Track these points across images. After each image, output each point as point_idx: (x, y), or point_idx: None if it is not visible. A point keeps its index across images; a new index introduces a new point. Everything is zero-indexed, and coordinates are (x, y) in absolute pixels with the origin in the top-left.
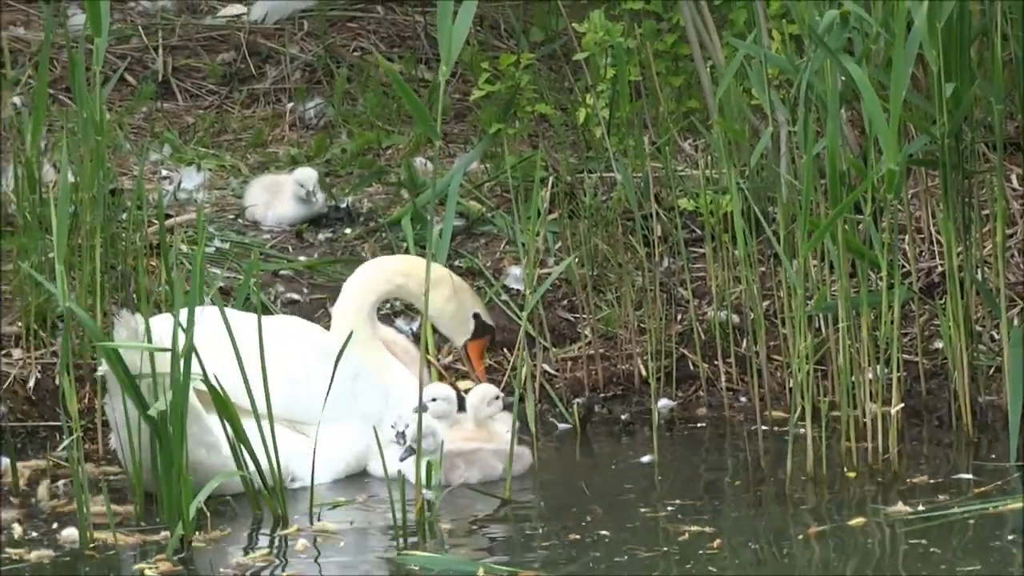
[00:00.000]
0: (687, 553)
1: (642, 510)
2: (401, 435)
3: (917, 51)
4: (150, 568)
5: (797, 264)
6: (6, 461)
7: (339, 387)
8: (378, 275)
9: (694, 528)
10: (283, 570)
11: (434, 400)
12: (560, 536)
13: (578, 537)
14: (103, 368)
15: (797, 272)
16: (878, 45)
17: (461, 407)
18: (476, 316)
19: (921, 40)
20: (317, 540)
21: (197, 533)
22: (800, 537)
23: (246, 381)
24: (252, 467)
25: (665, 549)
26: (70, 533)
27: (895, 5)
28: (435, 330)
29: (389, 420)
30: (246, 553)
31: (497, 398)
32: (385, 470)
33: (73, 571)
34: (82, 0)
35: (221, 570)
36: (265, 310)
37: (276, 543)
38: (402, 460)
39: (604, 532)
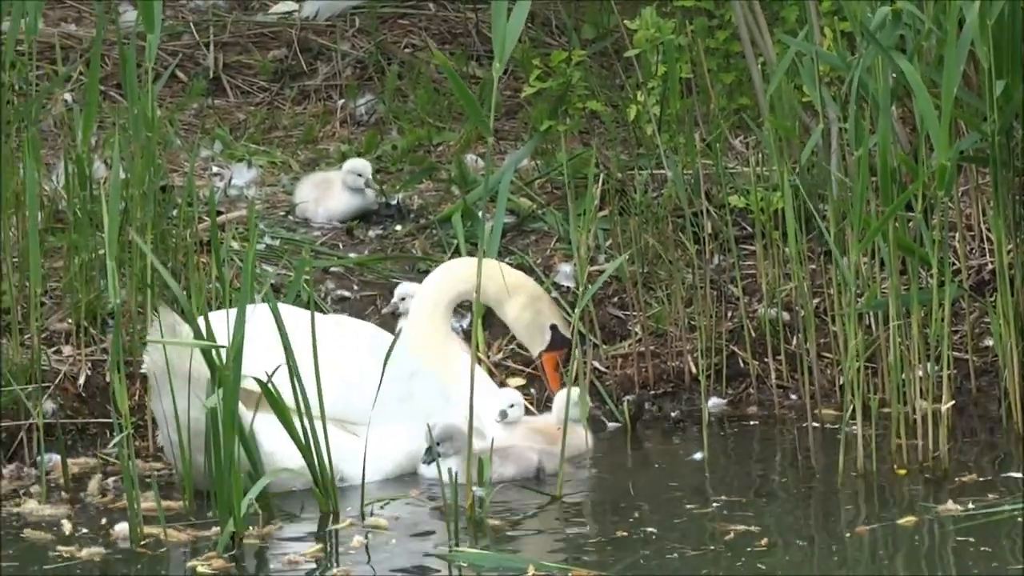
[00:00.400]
0: (735, 551)
1: (691, 508)
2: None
3: (968, 48)
4: (203, 565)
5: (848, 261)
6: (56, 458)
7: (393, 387)
8: (453, 278)
9: (743, 526)
10: (334, 566)
11: (512, 407)
12: (609, 534)
13: (627, 535)
14: (147, 365)
15: (848, 269)
16: (929, 42)
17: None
18: (553, 328)
19: (972, 37)
20: (368, 536)
21: (250, 528)
22: (848, 535)
23: (299, 379)
24: (303, 464)
25: (713, 548)
26: (122, 529)
27: (947, 3)
28: (485, 327)
29: (455, 420)
30: (297, 549)
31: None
32: (438, 468)
33: (124, 568)
34: None
35: (273, 566)
36: (316, 308)
37: (327, 539)
38: (425, 464)
39: (653, 530)
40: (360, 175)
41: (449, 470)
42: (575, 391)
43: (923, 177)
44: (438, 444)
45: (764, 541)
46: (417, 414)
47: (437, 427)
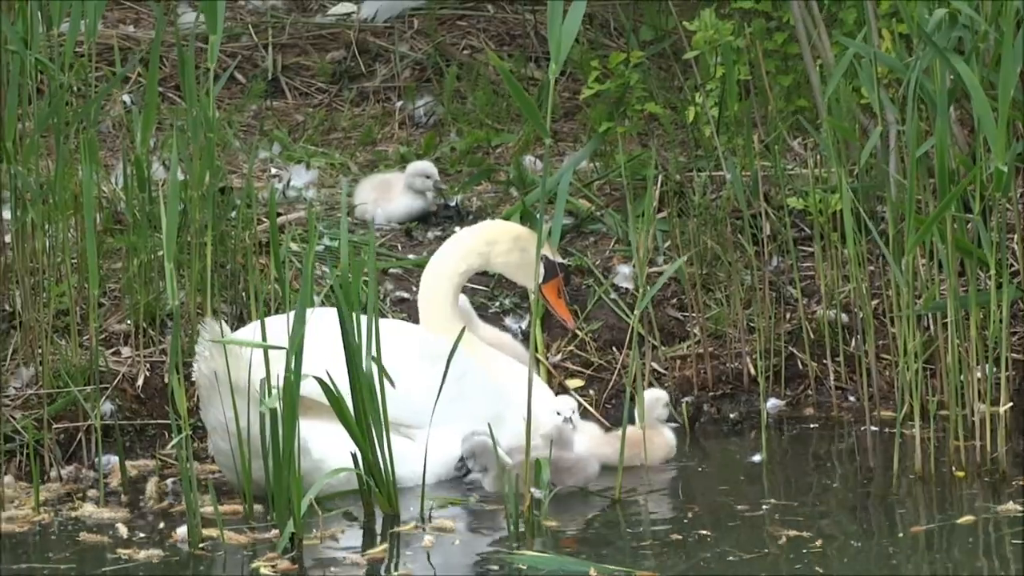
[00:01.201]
0: (792, 553)
1: (749, 509)
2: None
3: None
4: (266, 566)
5: (905, 263)
6: (115, 460)
7: (444, 388)
8: (461, 250)
9: (799, 528)
10: (395, 568)
11: (573, 413)
12: (667, 537)
13: (684, 537)
14: (196, 374)
15: (905, 271)
16: (987, 43)
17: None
18: (543, 259)
19: None
20: (428, 539)
21: (314, 532)
22: (900, 535)
23: (362, 382)
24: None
25: (769, 550)
26: (182, 532)
27: (1004, 3)
28: (544, 328)
29: (511, 418)
30: (358, 552)
31: (666, 405)
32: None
33: (183, 570)
34: None
35: (334, 569)
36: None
37: (388, 541)
38: (461, 473)
39: (711, 532)
40: (428, 177)
41: (510, 474)
42: (661, 394)
43: (980, 178)
44: (467, 459)
45: (819, 543)
46: (468, 415)
47: (467, 442)
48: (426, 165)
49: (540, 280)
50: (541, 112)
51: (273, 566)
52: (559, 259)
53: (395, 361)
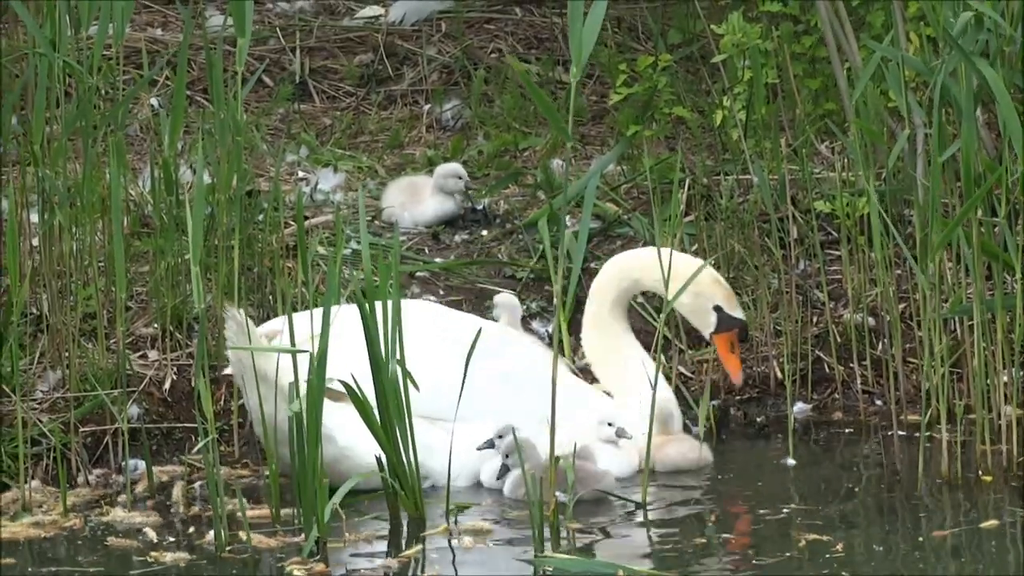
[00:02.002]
0: (817, 556)
1: (775, 513)
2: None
3: None
4: (300, 570)
5: (932, 267)
6: (141, 463)
7: (485, 388)
8: (614, 273)
9: (825, 531)
10: (423, 571)
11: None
12: (692, 540)
13: (708, 541)
14: (230, 368)
15: (932, 275)
16: (1013, 47)
17: None
18: (717, 309)
19: None
20: (453, 541)
21: (347, 535)
22: (922, 539)
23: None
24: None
25: (794, 553)
26: (211, 535)
27: None
28: (571, 333)
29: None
30: (385, 555)
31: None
32: (523, 472)
33: (211, 574)
34: (220, 1)
35: (363, 572)
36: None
37: (415, 544)
38: (499, 479)
39: (736, 536)
40: (460, 178)
41: (532, 476)
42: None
43: (1006, 182)
44: (506, 457)
45: (840, 546)
46: (508, 418)
47: (504, 442)
48: (456, 166)
49: (714, 330)
50: (564, 116)
51: (308, 569)
52: (738, 313)
53: (441, 357)
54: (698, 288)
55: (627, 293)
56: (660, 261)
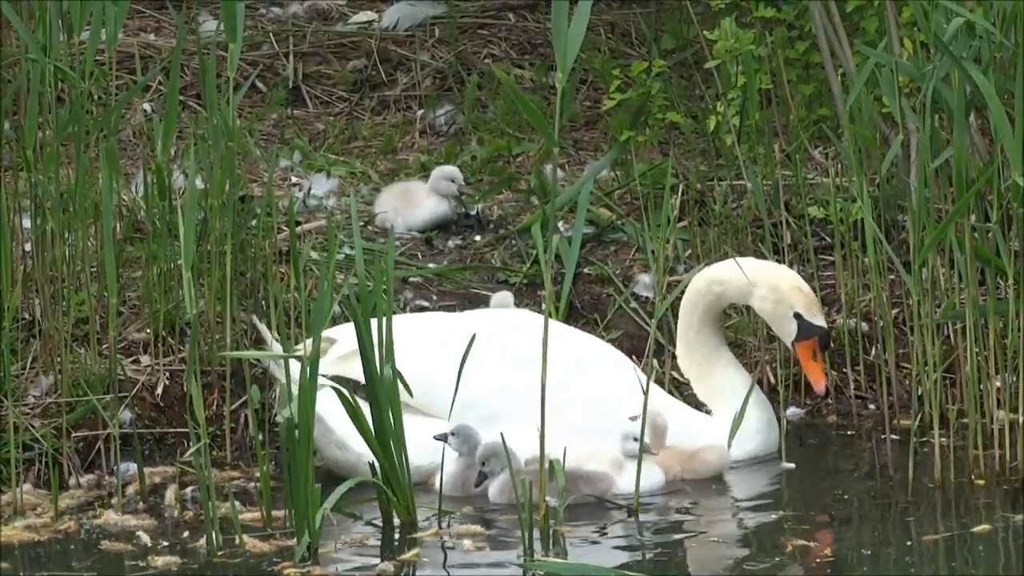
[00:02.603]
0: (808, 560)
1: (766, 517)
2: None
3: None
4: (292, 573)
5: (923, 271)
6: (134, 467)
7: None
8: (700, 287)
9: (817, 535)
10: (413, 575)
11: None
12: (685, 544)
13: (701, 545)
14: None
15: (925, 280)
16: (1003, 53)
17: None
18: (797, 316)
19: None
20: (445, 546)
21: (340, 539)
22: (909, 543)
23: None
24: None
25: (785, 557)
26: (202, 540)
27: (1016, 12)
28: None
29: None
30: (377, 559)
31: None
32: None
33: None
34: (214, 6)
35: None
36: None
37: (406, 549)
38: (477, 487)
39: (728, 539)
40: (453, 180)
41: (524, 481)
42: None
43: (998, 186)
44: (483, 464)
45: (830, 551)
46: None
47: (481, 447)
48: (452, 170)
49: (795, 338)
50: (559, 121)
51: (301, 573)
52: (818, 320)
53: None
54: (779, 295)
55: (713, 307)
56: (741, 269)
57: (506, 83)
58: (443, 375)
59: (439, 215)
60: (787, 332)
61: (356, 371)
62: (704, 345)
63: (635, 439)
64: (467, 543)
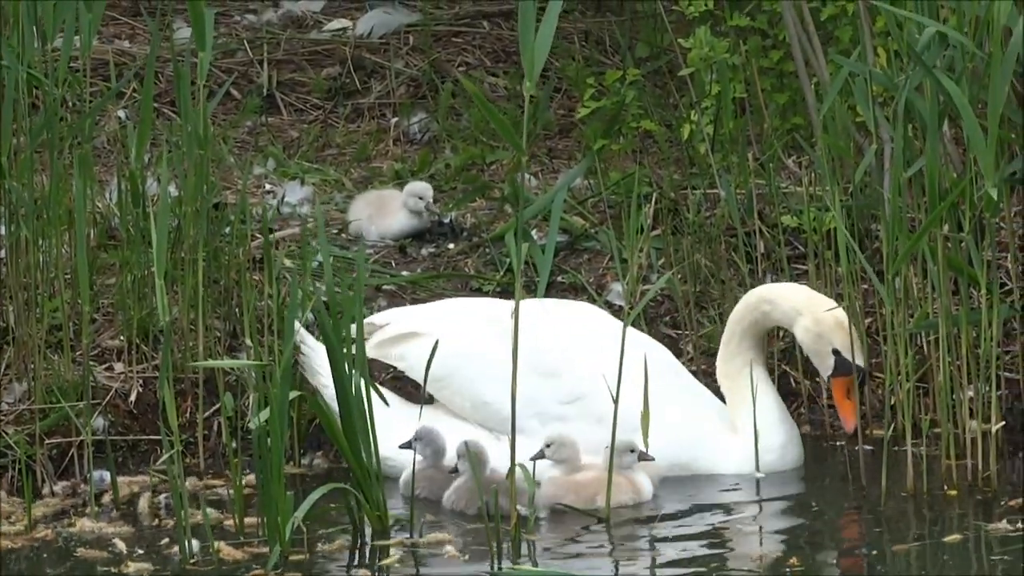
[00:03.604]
0: (782, 569)
1: (737, 527)
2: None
3: (1013, 68)
4: None
5: (895, 281)
6: (107, 475)
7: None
8: (751, 303)
9: (789, 545)
10: None
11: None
12: (656, 553)
13: (674, 553)
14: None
15: (898, 290)
16: (976, 63)
17: None
18: (835, 353)
19: (1017, 53)
20: (416, 554)
21: (318, 547)
22: (876, 553)
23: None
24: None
25: (751, 569)
26: (176, 547)
27: (990, 23)
28: None
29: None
30: (348, 567)
31: (632, 451)
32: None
33: None
34: (188, 14)
35: None
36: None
37: (378, 558)
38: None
39: (699, 548)
40: (421, 198)
41: (495, 488)
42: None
43: (971, 196)
44: (417, 440)
45: (793, 560)
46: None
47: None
48: (422, 186)
49: (831, 373)
50: (529, 128)
51: None
52: (857, 360)
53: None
54: (821, 329)
55: (757, 325)
56: (792, 296)
57: (474, 93)
58: (493, 395)
59: (412, 225)
60: (824, 366)
61: (393, 357)
62: (741, 358)
63: (631, 451)
64: (440, 551)
